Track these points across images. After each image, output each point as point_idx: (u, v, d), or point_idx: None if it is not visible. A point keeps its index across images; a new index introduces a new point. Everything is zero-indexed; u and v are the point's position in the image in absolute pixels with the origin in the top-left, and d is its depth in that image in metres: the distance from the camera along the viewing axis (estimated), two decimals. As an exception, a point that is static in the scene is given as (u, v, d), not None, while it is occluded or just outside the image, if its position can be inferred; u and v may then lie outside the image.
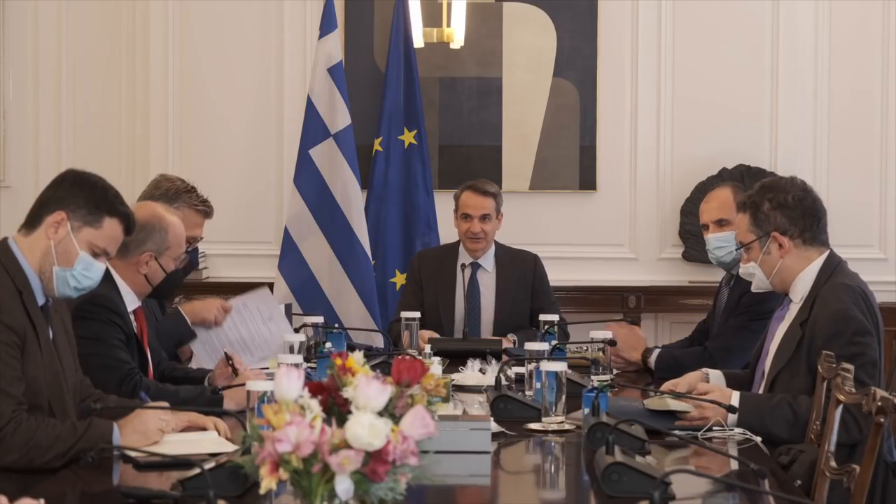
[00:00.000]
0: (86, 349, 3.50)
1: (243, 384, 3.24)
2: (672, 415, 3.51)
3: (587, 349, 4.35)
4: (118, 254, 3.32)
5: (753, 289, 3.87)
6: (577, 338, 4.70)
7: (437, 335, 5.05)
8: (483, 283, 5.42)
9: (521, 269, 5.43)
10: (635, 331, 4.83)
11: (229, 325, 4.55)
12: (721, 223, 4.57)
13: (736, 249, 4.00)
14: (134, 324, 3.82)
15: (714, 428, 3.42)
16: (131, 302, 3.79)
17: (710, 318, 4.90)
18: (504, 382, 3.77)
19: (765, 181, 3.88)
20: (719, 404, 3.45)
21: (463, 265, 5.41)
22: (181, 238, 3.89)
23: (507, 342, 5.01)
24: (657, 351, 4.69)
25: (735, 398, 3.51)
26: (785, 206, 3.72)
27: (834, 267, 3.70)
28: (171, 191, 4.51)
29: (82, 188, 3.13)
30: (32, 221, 3.12)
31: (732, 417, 3.48)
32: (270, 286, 6.29)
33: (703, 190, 6.03)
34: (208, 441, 3.12)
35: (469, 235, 5.37)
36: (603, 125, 6.75)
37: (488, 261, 5.44)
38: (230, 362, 3.94)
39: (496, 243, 5.47)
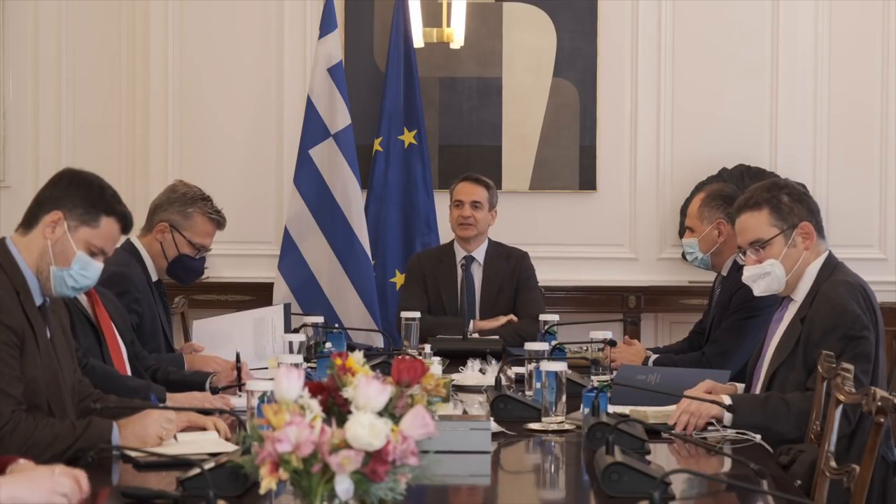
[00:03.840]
0: None
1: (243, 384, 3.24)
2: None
3: (587, 349, 4.35)
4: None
5: (761, 292, 3.78)
6: (577, 338, 4.70)
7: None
8: (475, 276, 5.48)
9: (508, 263, 5.49)
10: (635, 346, 4.82)
11: (244, 334, 4.56)
12: (690, 230, 4.79)
13: (752, 249, 3.78)
14: (85, 302, 3.79)
15: (709, 428, 3.41)
16: None
17: (706, 317, 4.91)
18: (504, 382, 3.77)
19: (767, 182, 3.88)
20: (717, 403, 3.45)
21: (462, 263, 5.44)
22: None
23: (504, 319, 5.16)
24: (654, 357, 4.70)
25: (727, 399, 3.49)
26: (802, 199, 3.74)
27: (834, 266, 3.72)
28: (188, 196, 4.50)
29: (79, 187, 3.11)
30: (29, 221, 3.10)
31: (728, 417, 3.45)
32: (270, 286, 6.32)
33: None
34: (208, 441, 3.12)
35: (459, 221, 5.42)
36: (603, 125, 6.75)
37: (480, 254, 5.51)
38: (238, 366, 3.95)
39: (490, 241, 5.50)
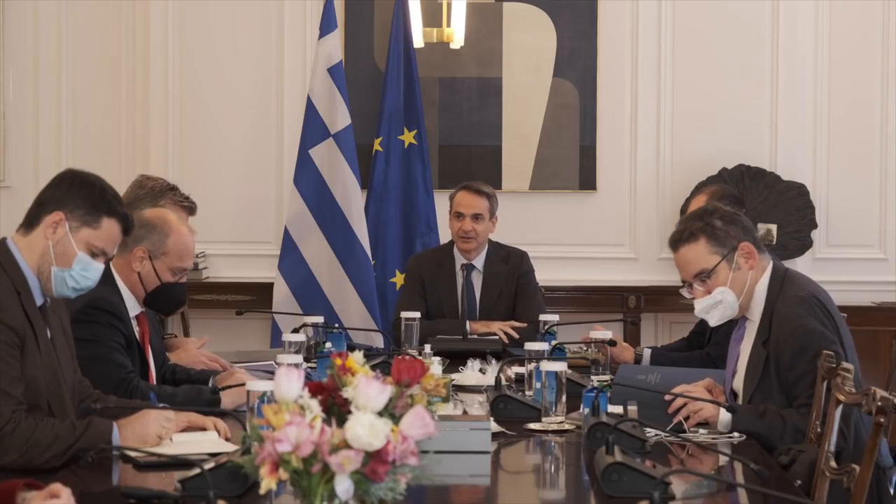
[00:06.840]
0: (83, 351, 3.49)
1: (243, 384, 3.24)
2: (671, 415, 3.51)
3: (587, 349, 4.35)
4: (118, 250, 3.31)
5: (717, 321, 3.69)
6: (576, 338, 4.70)
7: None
8: (475, 283, 5.44)
9: (506, 266, 5.45)
10: (623, 347, 4.76)
11: None
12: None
13: (698, 281, 3.65)
14: (136, 329, 3.79)
15: (700, 431, 3.40)
16: (133, 307, 3.76)
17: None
18: (504, 382, 3.77)
19: (697, 210, 3.79)
20: (717, 403, 3.44)
21: (462, 266, 5.42)
22: (183, 250, 3.78)
23: (498, 325, 5.13)
24: (648, 351, 4.66)
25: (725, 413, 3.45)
26: (735, 220, 3.65)
27: (782, 277, 3.65)
28: (157, 189, 4.49)
29: (80, 188, 3.11)
30: (31, 221, 3.11)
31: (726, 421, 3.43)
32: (270, 286, 6.32)
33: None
34: (208, 441, 3.12)
35: (461, 234, 5.38)
36: (603, 125, 6.75)
37: (480, 261, 5.45)
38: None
39: (490, 242, 5.48)
